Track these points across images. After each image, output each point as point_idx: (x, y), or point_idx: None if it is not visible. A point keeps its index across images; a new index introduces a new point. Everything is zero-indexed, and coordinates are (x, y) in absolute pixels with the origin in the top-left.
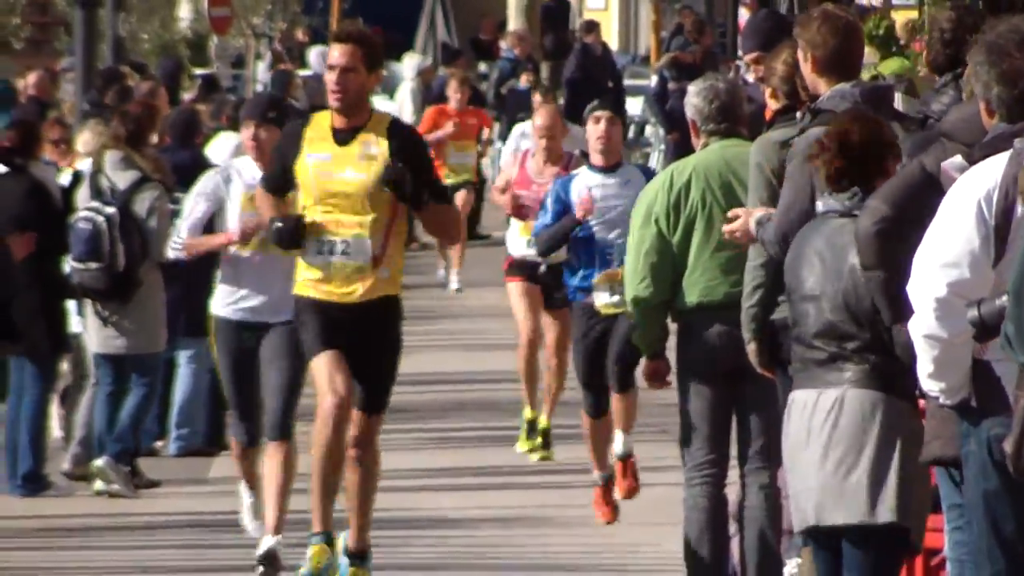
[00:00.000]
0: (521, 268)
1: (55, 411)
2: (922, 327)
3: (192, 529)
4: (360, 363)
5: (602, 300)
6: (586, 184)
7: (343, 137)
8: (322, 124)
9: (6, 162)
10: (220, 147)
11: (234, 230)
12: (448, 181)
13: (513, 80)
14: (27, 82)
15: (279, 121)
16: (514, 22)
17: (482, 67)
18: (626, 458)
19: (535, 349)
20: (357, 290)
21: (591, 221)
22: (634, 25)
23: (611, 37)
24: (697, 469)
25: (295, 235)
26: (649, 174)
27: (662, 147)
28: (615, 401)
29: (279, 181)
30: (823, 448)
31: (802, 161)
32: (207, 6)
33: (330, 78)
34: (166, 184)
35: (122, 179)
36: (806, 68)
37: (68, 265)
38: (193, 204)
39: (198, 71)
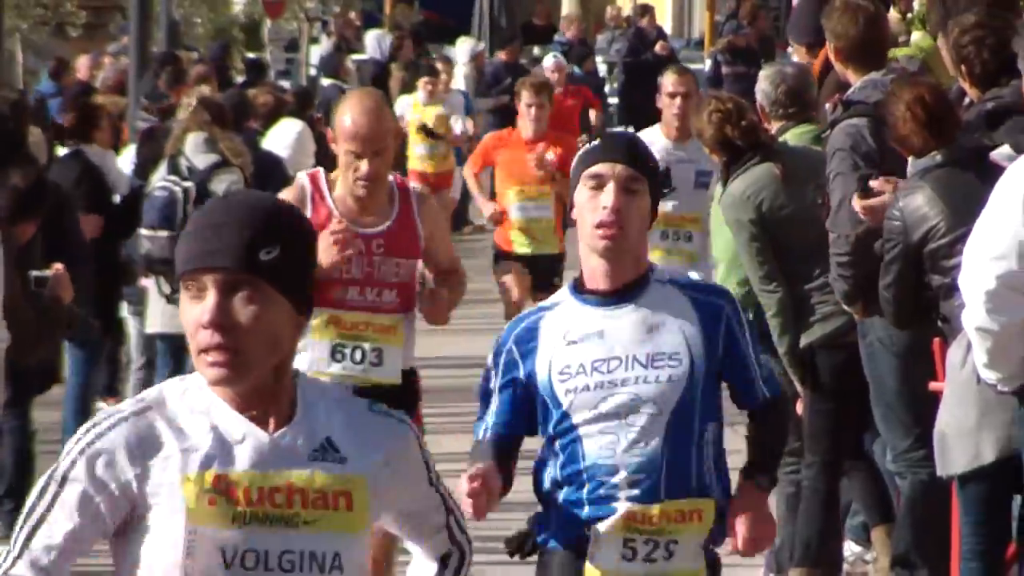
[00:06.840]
0: None
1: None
2: (974, 319)
3: None
4: None
5: None
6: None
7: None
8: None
9: (61, 143)
10: (281, 134)
11: None
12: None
13: (569, 66)
14: (76, 65)
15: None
16: (567, 6)
17: (535, 51)
18: None
19: None
20: None
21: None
22: (688, 9)
23: (665, 21)
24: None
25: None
26: None
27: None
28: None
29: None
30: None
31: (846, 154)
32: None
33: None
34: (244, 171)
35: (201, 161)
36: (833, 59)
37: (139, 236)
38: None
39: (251, 55)
